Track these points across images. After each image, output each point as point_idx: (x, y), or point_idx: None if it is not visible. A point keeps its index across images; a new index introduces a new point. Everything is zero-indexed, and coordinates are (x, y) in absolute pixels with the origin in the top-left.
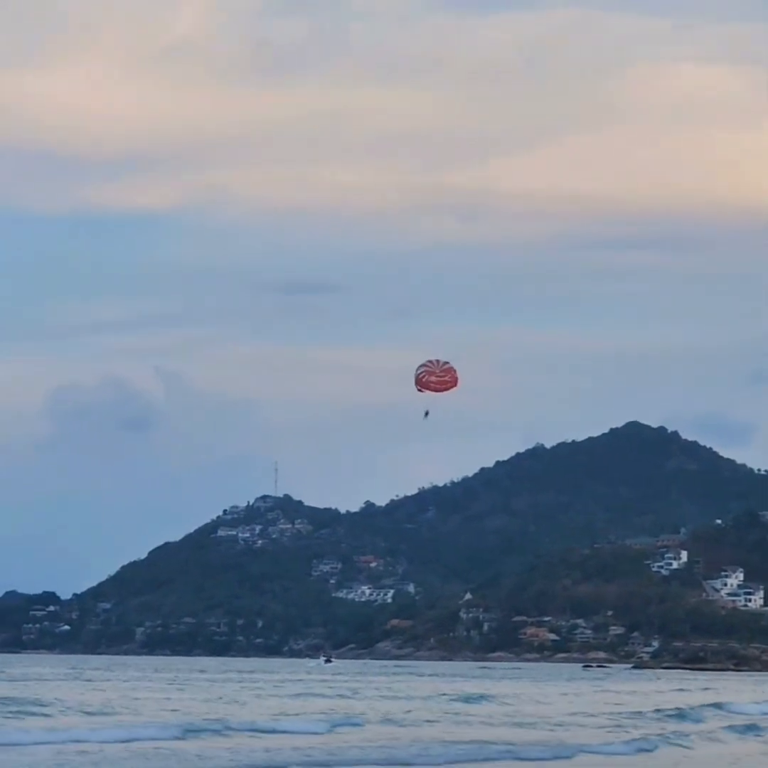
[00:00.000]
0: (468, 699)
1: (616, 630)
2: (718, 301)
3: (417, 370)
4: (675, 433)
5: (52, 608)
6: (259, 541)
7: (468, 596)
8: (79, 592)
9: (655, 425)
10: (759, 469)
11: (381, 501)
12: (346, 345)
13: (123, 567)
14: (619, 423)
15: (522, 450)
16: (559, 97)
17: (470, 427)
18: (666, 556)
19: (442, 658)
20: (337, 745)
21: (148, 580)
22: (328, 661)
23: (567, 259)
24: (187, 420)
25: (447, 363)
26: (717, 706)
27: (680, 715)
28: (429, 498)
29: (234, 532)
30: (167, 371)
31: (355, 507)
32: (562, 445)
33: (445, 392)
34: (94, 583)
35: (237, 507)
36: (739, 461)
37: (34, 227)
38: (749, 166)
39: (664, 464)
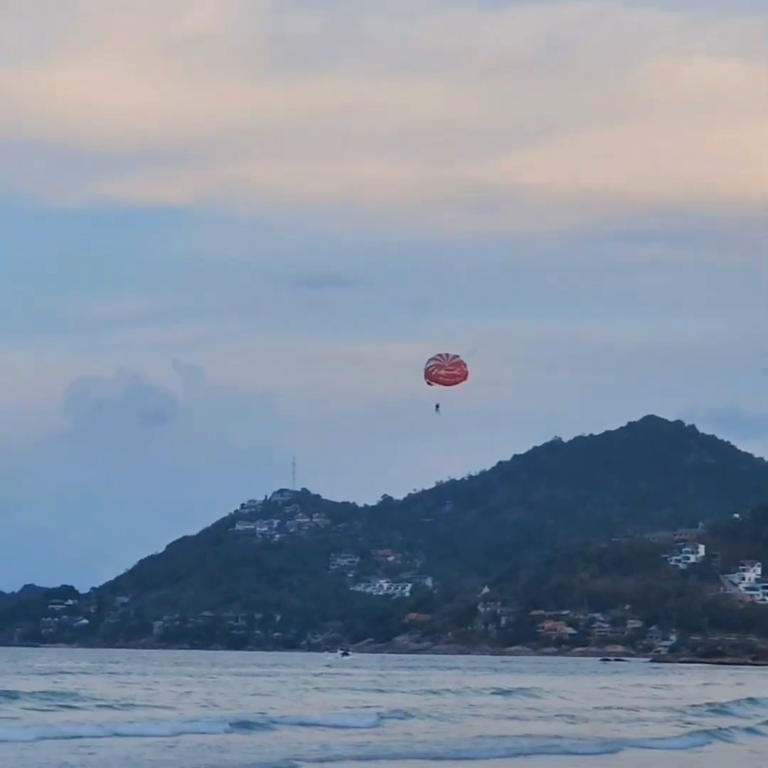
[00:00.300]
0: (507, 693)
1: (633, 624)
2: (736, 294)
3: (426, 363)
4: (692, 427)
5: (70, 602)
6: (277, 535)
7: (486, 590)
8: (97, 586)
9: (672, 419)
10: None
11: (399, 495)
12: (364, 338)
13: (141, 561)
14: (636, 417)
15: (539, 444)
16: (577, 90)
17: (488, 420)
18: (684, 550)
19: (460, 652)
20: (390, 739)
21: (165, 574)
22: (345, 654)
23: (585, 253)
24: (205, 413)
25: (457, 356)
26: (752, 700)
27: (719, 709)
28: (447, 492)
29: (252, 526)
30: (185, 365)
31: (372, 501)
32: (579, 439)
33: (454, 386)
34: (112, 577)
35: (255, 501)
36: (756, 455)
37: (51, 221)
38: None
39: (682, 458)
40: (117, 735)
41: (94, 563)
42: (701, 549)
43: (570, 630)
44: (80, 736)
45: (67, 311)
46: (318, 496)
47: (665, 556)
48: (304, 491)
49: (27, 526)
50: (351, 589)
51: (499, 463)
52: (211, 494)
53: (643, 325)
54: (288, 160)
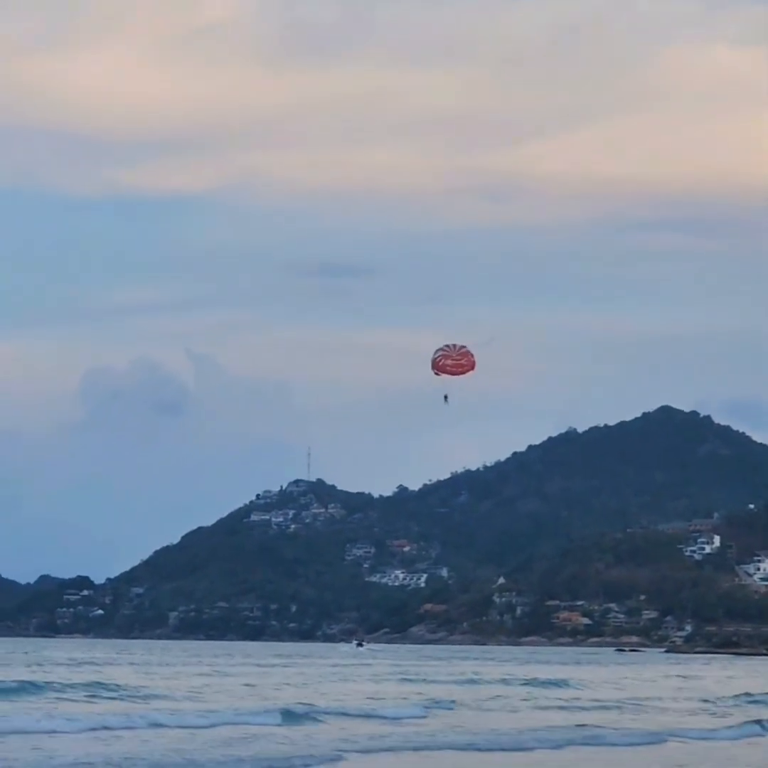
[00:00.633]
0: (543, 684)
1: (648, 614)
2: (752, 284)
3: (434, 353)
4: (707, 418)
5: (85, 593)
6: (293, 526)
7: (501, 580)
8: (112, 576)
9: (687, 410)
10: None
11: (414, 485)
12: (380, 328)
13: (156, 552)
14: (651, 407)
15: (554, 434)
16: (592, 79)
17: (503, 411)
18: (699, 540)
19: (475, 643)
20: (438, 729)
21: (181, 565)
22: (359, 644)
23: (600, 242)
24: (220, 404)
25: (464, 346)
26: None
27: (756, 700)
28: (462, 482)
29: (267, 517)
30: (200, 354)
31: (388, 491)
32: (594, 430)
33: (462, 376)
34: (128, 568)
35: (270, 491)
36: None
37: (67, 210)
38: None
39: (697, 449)
40: (164, 726)
41: (110, 554)
42: (716, 539)
43: (585, 620)
44: (132, 728)
45: (82, 301)
46: (333, 486)
47: (680, 546)
48: (320, 482)
49: (42, 517)
50: (366, 579)
51: (514, 453)
52: (226, 485)
53: (658, 315)
54: (304, 149)
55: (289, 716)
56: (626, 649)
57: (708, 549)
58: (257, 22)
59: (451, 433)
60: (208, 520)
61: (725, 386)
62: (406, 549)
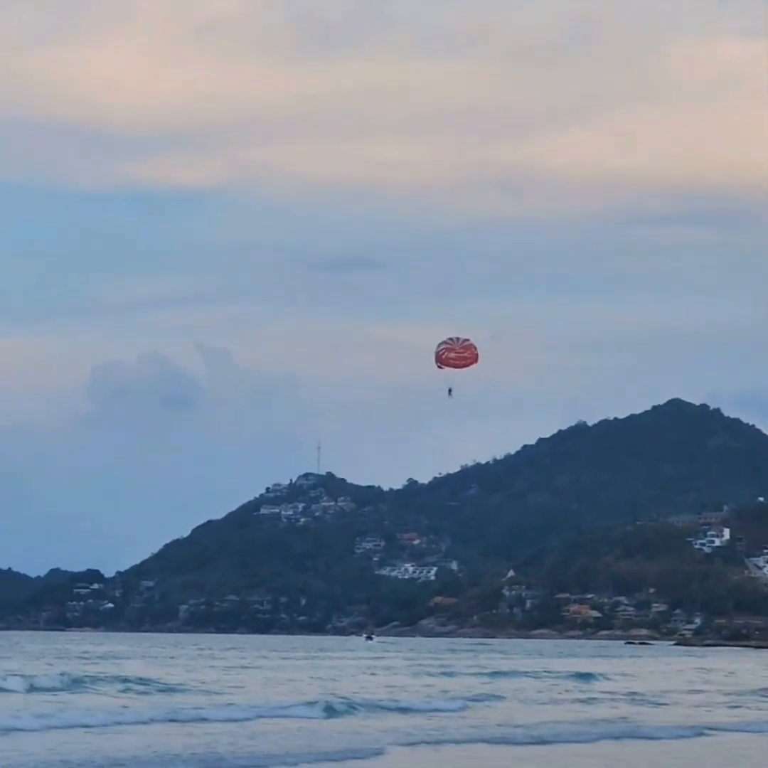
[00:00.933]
0: (573, 677)
1: (658, 607)
2: (762, 277)
3: (437, 347)
4: (717, 411)
5: (96, 586)
6: (302, 519)
7: (511, 573)
8: (122, 570)
9: (697, 403)
10: None
11: (424, 478)
12: (389, 322)
13: (166, 545)
14: (661, 400)
15: (564, 427)
16: (604, 72)
17: (513, 404)
18: (708, 533)
19: (485, 636)
20: (479, 723)
21: (191, 558)
22: (369, 638)
23: (611, 235)
24: (230, 397)
25: (467, 340)
26: None
27: None
28: (472, 475)
29: (277, 510)
30: (210, 348)
31: (398, 484)
32: (604, 423)
33: (465, 369)
34: (138, 561)
35: (280, 485)
36: None
37: (76, 204)
38: None
39: (707, 442)
40: (205, 720)
41: (120, 547)
42: (726, 532)
43: (595, 613)
44: (175, 721)
45: (92, 295)
46: (343, 479)
47: (690, 539)
48: (330, 475)
49: (53, 511)
50: (376, 572)
51: (524, 446)
52: (236, 478)
53: (668, 309)
54: (314, 143)
55: (330, 709)
56: (636, 642)
57: (717, 542)
58: (266, 15)
59: (461, 427)
60: (218, 514)
61: (735, 379)
62: (416, 542)
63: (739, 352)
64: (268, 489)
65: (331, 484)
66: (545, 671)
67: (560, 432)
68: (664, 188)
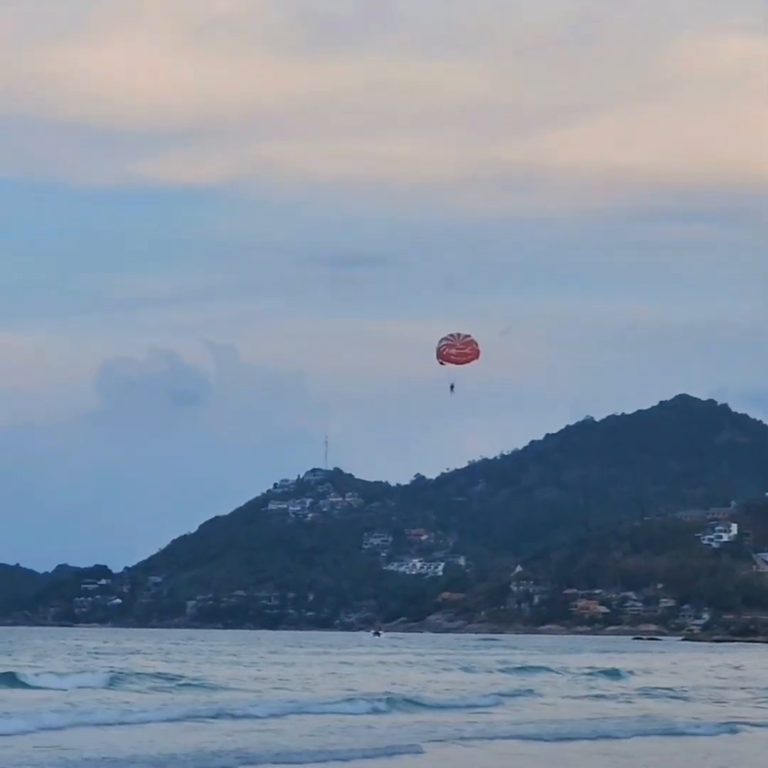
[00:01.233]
0: (600, 673)
1: (666, 602)
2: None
3: (439, 343)
4: (725, 406)
5: (103, 582)
6: (310, 515)
7: (519, 569)
8: (130, 565)
9: (704, 398)
10: None
11: (431, 474)
12: (396, 318)
13: (173, 540)
14: (668, 396)
15: (572, 423)
16: (610, 68)
17: (520, 399)
18: (716, 528)
19: (493, 631)
20: (512, 719)
21: (198, 554)
22: (376, 634)
23: (617, 232)
24: (238, 393)
25: (468, 336)
26: None
27: None
28: (479, 471)
29: (284, 506)
30: (217, 345)
31: (405, 480)
32: (611, 418)
33: (466, 365)
34: (145, 557)
35: (287, 480)
36: None
37: (84, 201)
38: None
39: (714, 437)
40: (249, 716)
41: (127, 543)
42: (733, 528)
43: (603, 609)
44: (218, 717)
45: (99, 292)
46: (350, 475)
47: (698, 534)
48: (337, 470)
49: (60, 506)
50: (384, 568)
51: (532, 442)
52: (243, 474)
53: (676, 305)
54: (320, 140)
55: (368, 705)
56: (644, 637)
57: (725, 537)
58: (272, 13)
59: (469, 422)
60: (226, 509)
61: (742, 375)
62: (424, 538)
63: (747, 347)
64: (275, 484)
65: (338, 479)
66: (567, 667)
67: (568, 427)
68: (669, 185)
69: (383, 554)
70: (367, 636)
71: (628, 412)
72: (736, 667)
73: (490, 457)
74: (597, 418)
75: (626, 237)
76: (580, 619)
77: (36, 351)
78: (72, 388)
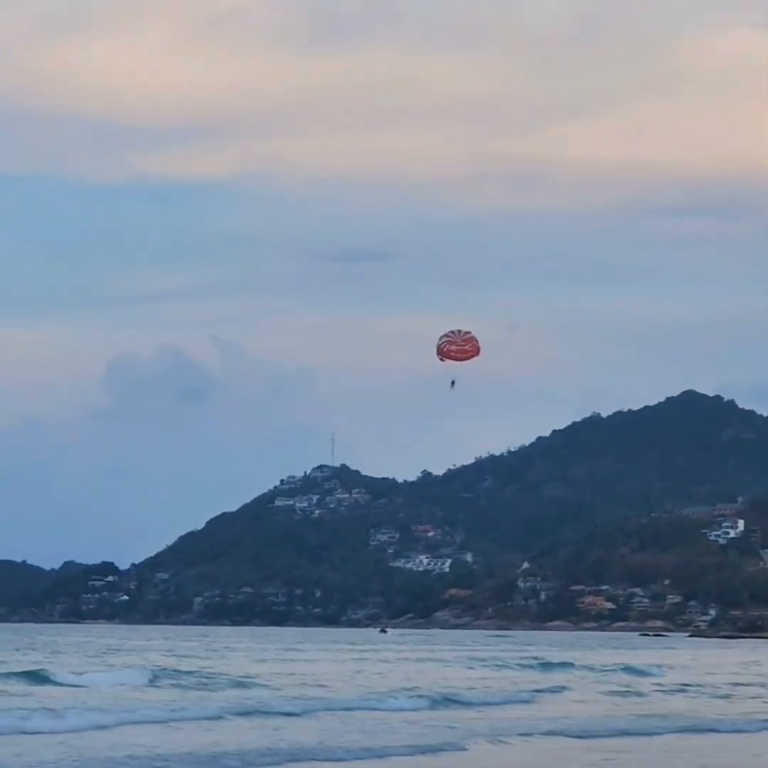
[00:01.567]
0: (631, 670)
1: (673, 599)
2: None
3: (439, 340)
4: (731, 402)
5: (110, 578)
6: (317, 511)
7: (525, 565)
8: (137, 562)
9: (711, 394)
10: None
11: (438, 470)
12: (404, 313)
13: (180, 537)
14: (675, 392)
15: (578, 419)
16: (617, 63)
17: (527, 396)
18: (723, 524)
19: (500, 627)
20: (549, 716)
21: (205, 551)
22: (382, 631)
23: (625, 227)
24: (244, 389)
25: (469, 332)
26: None
27: None
28: (486, 467)
29: (291, 502)
30: (224, 340)
31: (412, 476)
32: (618, 414)
33: (466, 361)
34: (152, 554)
35: (294, 477)
36: None
37: (90, 196)
38: None
39: (721, 433)
40: (292, 714)
41: (134, 540)
42: (740, 524)
43: (610, 605)
44: (258, 714)
45: (105, 287)
46: (357, 471)
47: (704, 531)
48: (344, 467)
49: (67, 503)
50: (391, 564)
51: (538, 438)
52: (250, 470)
53: (683, 300)
54: (326, 135)
55: (411, 703)
56: (651, 633)
57: (732, 533)
58: (279, 7)
59: (476, 418)
60: (233, 506)
61: (749, 371)
62: (431, 534)
63: (754, 343)
64: (282, 481)
65: (345, 476)
66: (592, 664)
67: (574, 424)
68: (678, 180)
69: (390, 551)
70: (374, 633)
71: (635, 408)
72: (754, 663)
73: (497, 453)
74: (604, 415)
75: (633, 233)
76: (587, 615)
77: (42, 347)
78: (78, 385)
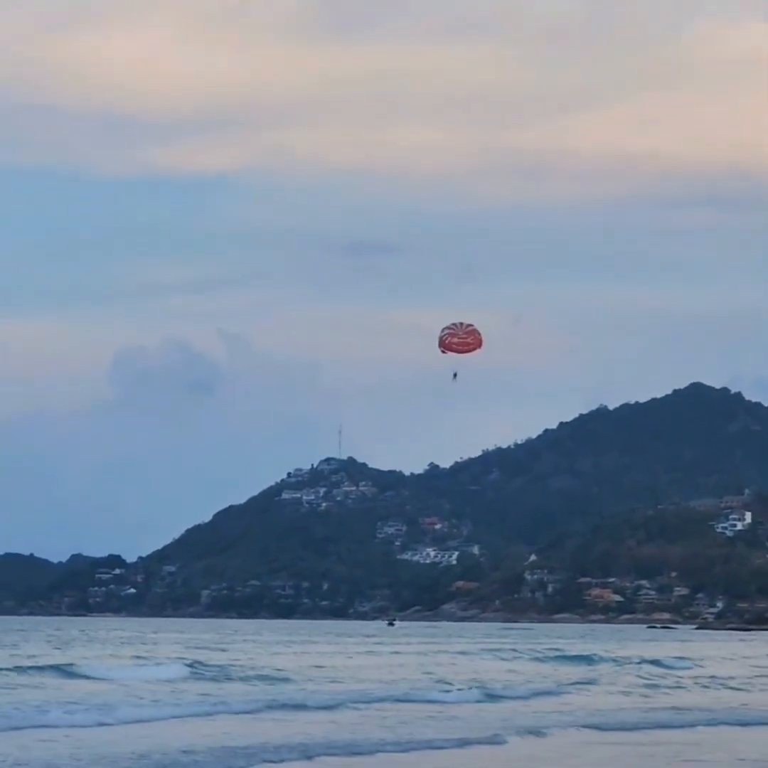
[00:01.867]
0: (660, 663)
1: (680, 591)
2: None
3: (441, 332)
4: (739, 394)
5: (117, 571)
6: (324, 504)
7: (533, 558)
8: (144, 555)
9: (718, 386)
10: None
11: (445, 463)
12: (411, 306)
13: (188, 530)
14: (682, 384)
15: (585, 411)
16: (627, 55)
17: (534, 388)
18: (730, 517)
19: (507, 620)
20: (577, 708)
21: (212, 543)
22: (390, 623)
23: (632, 219)
24: (251, 382)
25: (471, 325)
26: None
27: None
28: (493, 459)
29: (298, 495)
30: (231, 333)
31: (419, 469)
32: (625, 406)
33: (468, 354)
34: (159, 547)
35: (301, 469)
36: None
37: (97, 189)
38: None
39: (728, 425)
40: (329, 707)
41: (141, 533)
42: (747, 516)
43: (617, 597)
44: (305, 707)
45: (112, 280)
46: (364, 464)
47: (712, 523)
48: (351, 460)
49: (74, 497)
50: (398, 557)
51: (545, 430)
52: (257, 463)
53: (689, 292)
54: (334, 127)
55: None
56: (658, 626)
57: (739, 525)
58: None
59: (483, 411)
60: (240, 499)
61: (756, 363)
62: (438, 527)
63: (761, 336)
64: (289, 474)
65: (352, 468)
66: (616, 657)
67: (581, 416)
68: (684, 171)
69: (397, 543)
70: (382, 625)
71: (642, 400)
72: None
73: (504, 445)
74: (610, 407)
75: (640, 224)
76: (594, 607)
77: (49, 340)
78: (85, 378)
